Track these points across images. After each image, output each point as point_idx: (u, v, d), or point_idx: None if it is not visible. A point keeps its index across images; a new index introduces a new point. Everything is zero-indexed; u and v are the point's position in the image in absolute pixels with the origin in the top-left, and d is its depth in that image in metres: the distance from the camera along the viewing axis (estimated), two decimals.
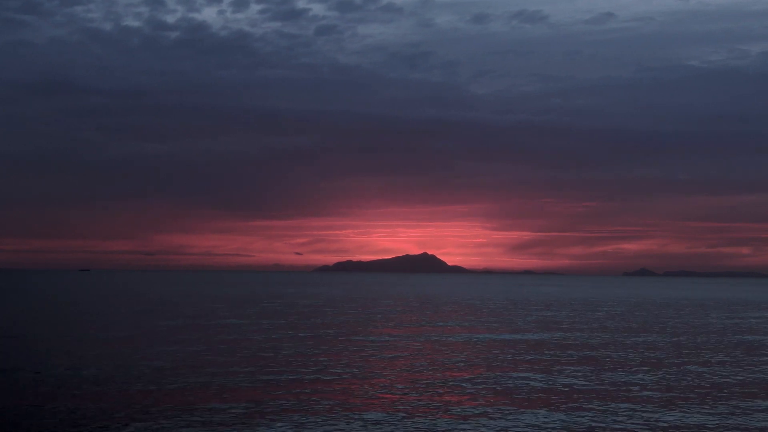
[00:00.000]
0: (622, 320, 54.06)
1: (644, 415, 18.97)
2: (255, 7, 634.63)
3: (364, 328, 43.49)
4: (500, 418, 18.40)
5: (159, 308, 62.45)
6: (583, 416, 18.66)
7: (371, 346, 33.81)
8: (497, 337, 38.67)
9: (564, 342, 36.66)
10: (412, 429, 17.14)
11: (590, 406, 19.99)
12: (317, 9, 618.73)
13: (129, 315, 53.39)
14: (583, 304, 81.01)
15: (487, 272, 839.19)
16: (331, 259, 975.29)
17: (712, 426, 17.96)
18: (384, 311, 61.32)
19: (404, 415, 18.56)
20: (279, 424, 17.36)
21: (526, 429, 17.31)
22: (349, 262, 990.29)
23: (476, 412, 19.02)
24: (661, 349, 34.02)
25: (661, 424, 18.02)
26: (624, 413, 19.09)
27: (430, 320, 51.40)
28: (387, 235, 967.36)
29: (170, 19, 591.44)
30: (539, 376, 25.15)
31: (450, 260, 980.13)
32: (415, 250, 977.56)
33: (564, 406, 19.95)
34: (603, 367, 27.70)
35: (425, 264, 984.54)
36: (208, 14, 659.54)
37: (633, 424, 17.94)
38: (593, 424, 17.87)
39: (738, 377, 25.75)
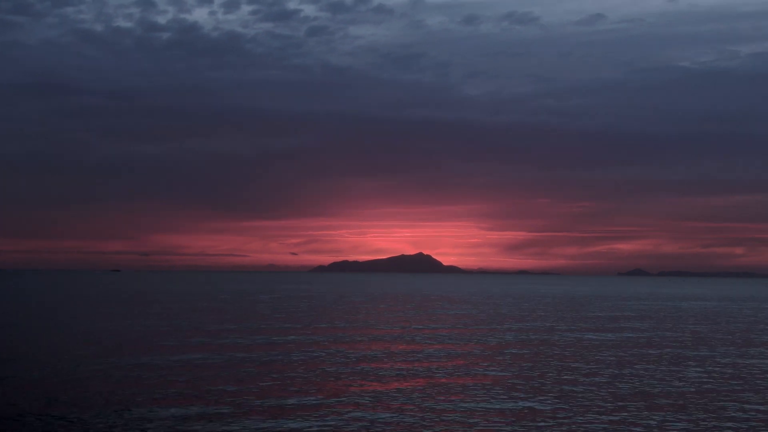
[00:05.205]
0: None
1: None
2: (246, 8, 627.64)
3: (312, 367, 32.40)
4: None
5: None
6: None
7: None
8: None
9: None
10: None
11: None
12: (308, 10, 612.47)
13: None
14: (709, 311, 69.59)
15: (482, 272, 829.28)
16: (326, 259, 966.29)
17: None
18: (360, 321, 50.19)
19: None
20: None
21: None
22: (345, 262, 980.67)
23: None
24: None
25: None
26: None
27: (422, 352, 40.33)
28: (382, 235, 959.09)
29: (161, 20, 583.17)
30: None
31: (445, 260, 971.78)
32: (410, 250, 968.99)
33: None
34: None
35: (421, 264, 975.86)
36: (200, 15, 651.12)
37: None
38: None
39: None
